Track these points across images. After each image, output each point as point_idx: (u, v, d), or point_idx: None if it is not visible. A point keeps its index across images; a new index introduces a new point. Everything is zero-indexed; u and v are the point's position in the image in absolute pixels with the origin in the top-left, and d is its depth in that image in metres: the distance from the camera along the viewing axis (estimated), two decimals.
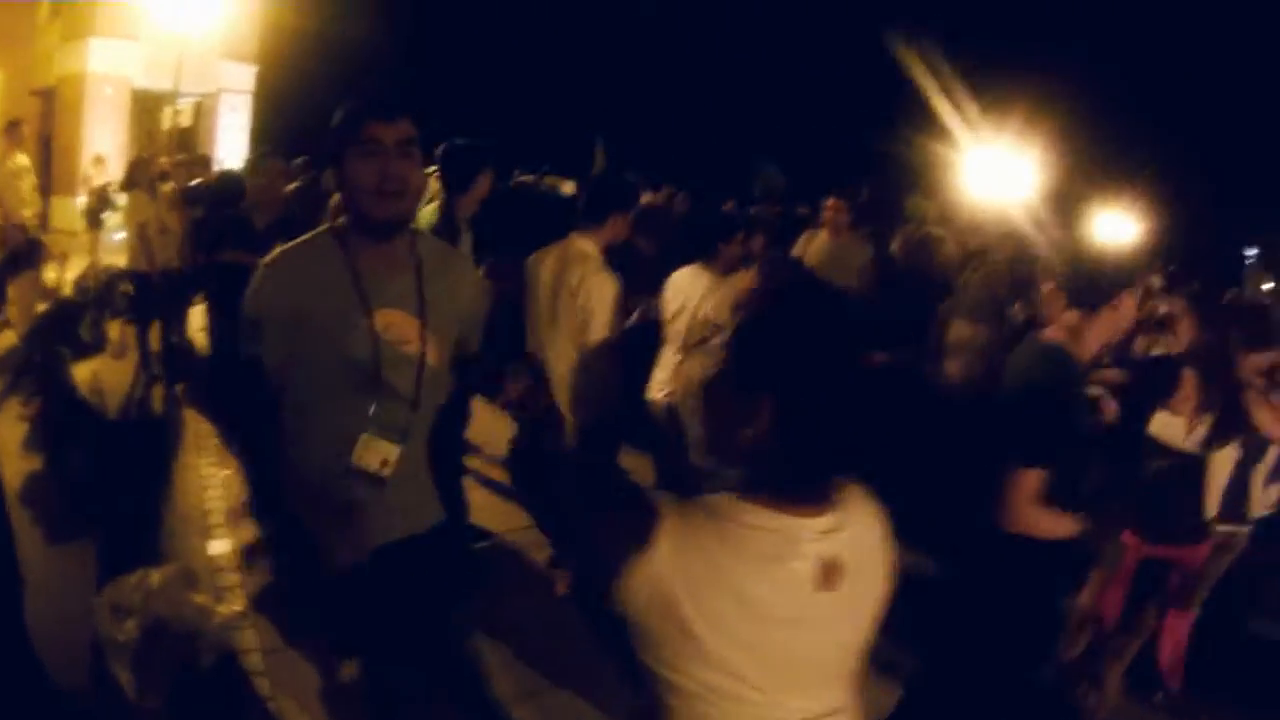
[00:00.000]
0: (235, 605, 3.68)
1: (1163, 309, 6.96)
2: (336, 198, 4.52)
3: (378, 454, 2.40)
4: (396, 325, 2.43)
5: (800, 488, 1.50)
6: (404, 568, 2.49)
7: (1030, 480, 2.93)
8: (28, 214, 9.52)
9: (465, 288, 2.67)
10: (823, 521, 1.51)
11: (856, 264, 7.12)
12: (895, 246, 7.50)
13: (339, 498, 2.43)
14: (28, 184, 9.70)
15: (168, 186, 8.18)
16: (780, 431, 1.45)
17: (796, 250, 7.53)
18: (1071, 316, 3.16)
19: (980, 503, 3.11)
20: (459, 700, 3.57)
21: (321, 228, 2.55)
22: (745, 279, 4.66)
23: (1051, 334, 3.18)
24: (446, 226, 4.57)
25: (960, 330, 5.48)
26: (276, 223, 5.40)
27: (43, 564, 4.12)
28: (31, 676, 3.13)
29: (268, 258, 2.46)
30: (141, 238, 7.54)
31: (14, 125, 9.95)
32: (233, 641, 3.61)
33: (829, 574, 1.50)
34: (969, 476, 3.26)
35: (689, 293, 4.70)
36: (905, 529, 5.11)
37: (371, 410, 2.39)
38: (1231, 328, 4.06)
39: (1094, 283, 3.13)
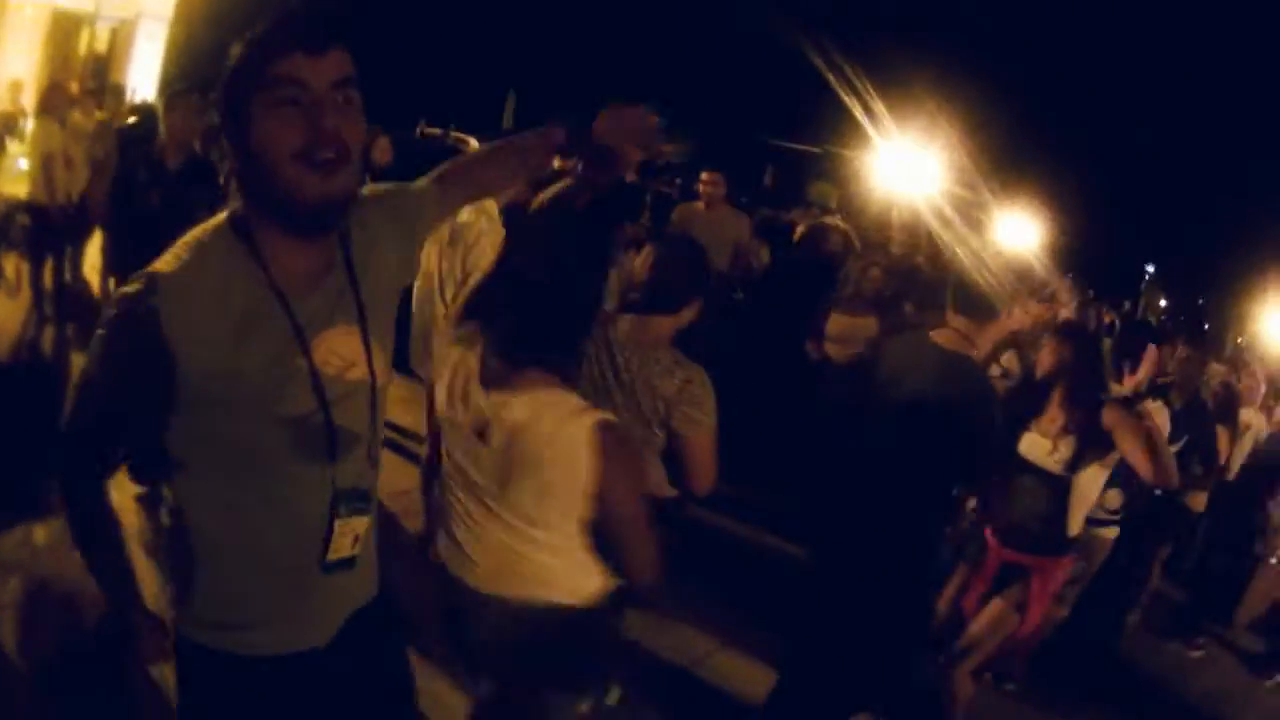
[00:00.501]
0: None
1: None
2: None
3: (350, 534, 1.80)
4: (338, 350, 1.74)
5: (489, 362, 2.22)
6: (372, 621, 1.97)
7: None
8: None
9: (386, 227, 1.89)
10: (492, 395, 2.20)
11: (730, 236, 7.36)
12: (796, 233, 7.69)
13: (291, 596, 1.79)
14: None
15: (77, 116, 7.91)
16: None
17: (674, 222, 7.75)
18: (961, 321, 3.27)
19: (869, 497, 3.25)
20: None
21: (216, 219, 1.70)
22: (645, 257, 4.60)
23: (944, 338, 3.27)
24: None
25: (838, 322, 5.56)
26: (188, 165, 5.28)
27: None
28: None
29: (139, 284, 1.57)
30: (45, 168, 7.28)
31: None
32: None
33: (481, 430, 2.22)
34: (856, 472, 3.37)
35: None
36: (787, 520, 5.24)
37: (332, 481, 1.74)
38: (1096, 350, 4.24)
39: (989, 293, 3.24)
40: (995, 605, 4.09)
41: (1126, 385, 5.48)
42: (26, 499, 4.32)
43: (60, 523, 3.60)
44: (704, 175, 7.68)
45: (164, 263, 1.60)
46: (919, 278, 5.76)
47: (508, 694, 2.44)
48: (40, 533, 3.52)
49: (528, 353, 2.18)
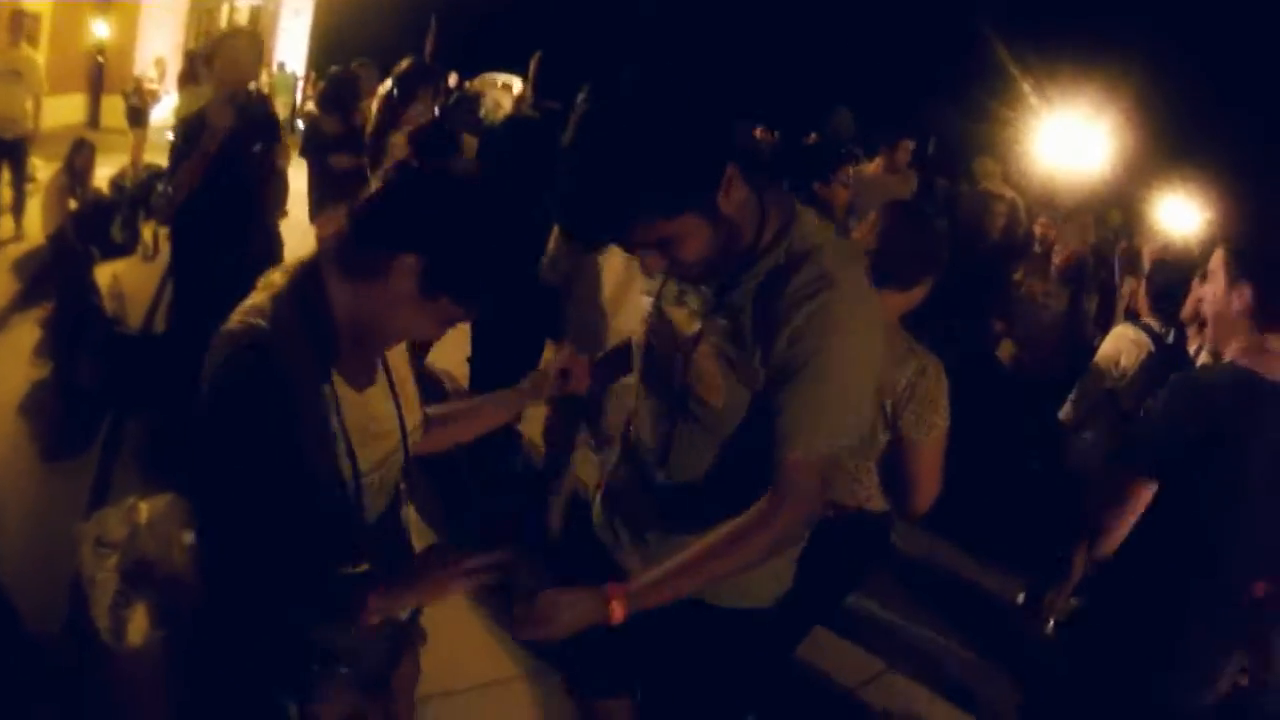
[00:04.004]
0: None
1: None
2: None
3: None
4: None
5: None
6: None
7: None
8: (29, 114, 8.52)
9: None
10: None
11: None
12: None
13: None
14: (33, 81, 8.53)
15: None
16: None
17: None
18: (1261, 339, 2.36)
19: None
20: None
21: None
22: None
23: (1246, 360, 2.35)
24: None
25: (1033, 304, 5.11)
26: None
27: (34, 484, 3.89)
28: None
29: None
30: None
31: (17, 16, 8.86)
32: None
33: None
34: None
35: None
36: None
37: None
38: None
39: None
40: None
41: None
42: (145, 473, 4.17)
43: (166, 500, 3.38)
44: (904, 141, 7.00)
45: None
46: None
47: None
48: (144, 509, 3.26)
49: None
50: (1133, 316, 4.76)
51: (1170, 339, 4.02)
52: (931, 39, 31.83)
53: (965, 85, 21.94)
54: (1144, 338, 4.04)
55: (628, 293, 3.65)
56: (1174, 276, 4.15)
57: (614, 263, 3.75)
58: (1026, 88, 16.20)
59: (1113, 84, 17.22)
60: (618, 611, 1.64)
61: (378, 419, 1.82)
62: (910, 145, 6.96)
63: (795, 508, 1.70)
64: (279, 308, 1.61)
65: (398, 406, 1.86)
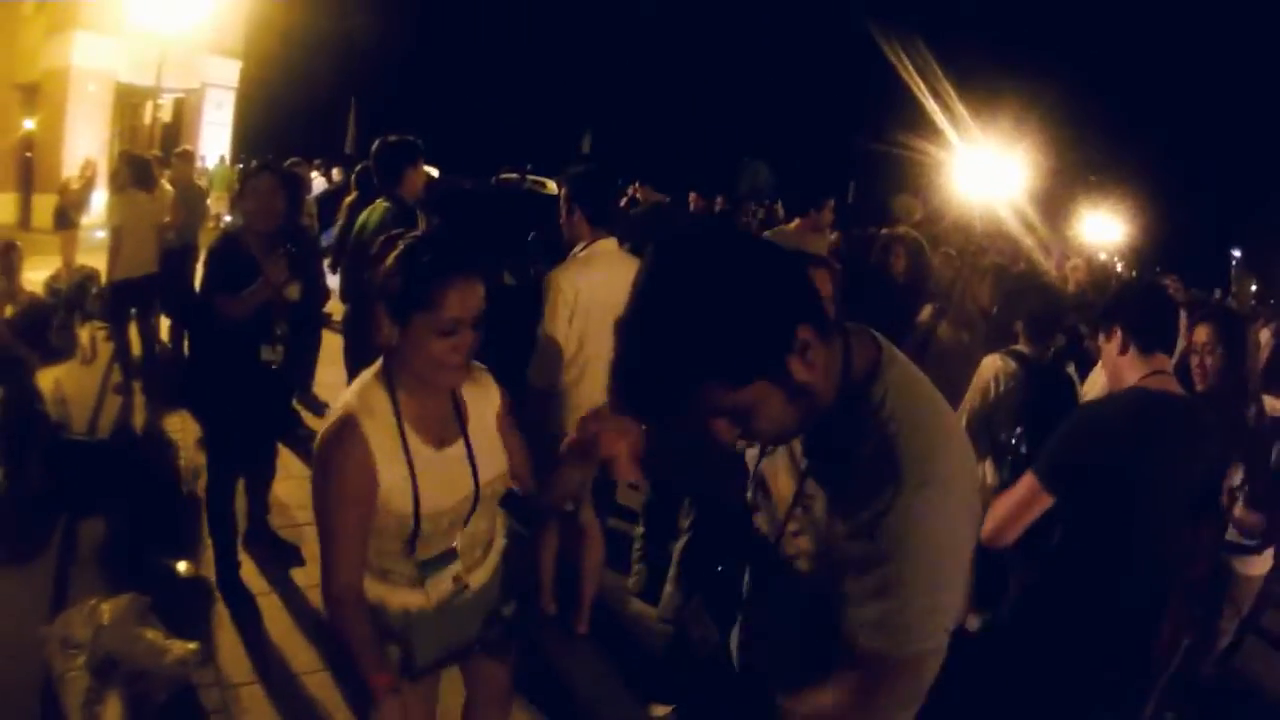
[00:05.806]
0: (191, 642, 3.47)
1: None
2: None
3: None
4: None
5: None
6: None
7: None
8: None
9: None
10: None
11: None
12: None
13: None
14: None
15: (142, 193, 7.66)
16: None
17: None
18: (1162, 360, 2.79)
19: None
20: None
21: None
22: None
23: (1158, 384, 2.73)
24: (401, 217, 4.74)
25: (946, 338, 5.21)
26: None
27: None
28: None
29: None
30: (115, 241, 7.19)
31: None
32: (190, 677, 3.42)
33: None
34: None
35: None
36: None
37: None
38: None
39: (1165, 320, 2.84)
40: None
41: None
42: (104, 572, 4.23)
43: (126, 600, 3.48)
44: (829, 202, 7.25)
45: None
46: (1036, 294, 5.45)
47: None
48: (106, 609, 3.37)
49: None
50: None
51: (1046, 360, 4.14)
52: (848, 80, 32.56)
53: (883, 124, 22.53)
54: (1011, 364, 4.01)
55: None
56: (1047, 301, 4.30)
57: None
58: (941, 120, 16.68)
59: (1024, 112, 17.85)
60: None
61: (451, 478, 2.21)
62: (832, 204, 7.23)
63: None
64: (373, 381, 2.19)
65: (472, 464, 2.24)
